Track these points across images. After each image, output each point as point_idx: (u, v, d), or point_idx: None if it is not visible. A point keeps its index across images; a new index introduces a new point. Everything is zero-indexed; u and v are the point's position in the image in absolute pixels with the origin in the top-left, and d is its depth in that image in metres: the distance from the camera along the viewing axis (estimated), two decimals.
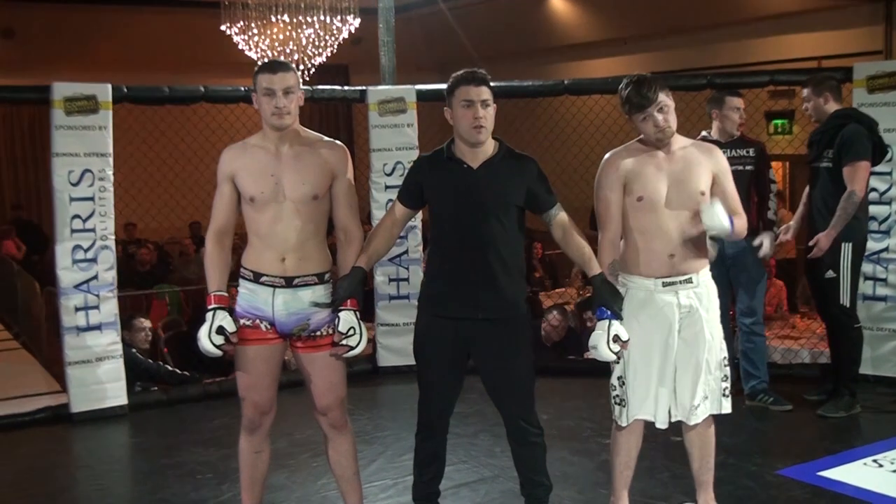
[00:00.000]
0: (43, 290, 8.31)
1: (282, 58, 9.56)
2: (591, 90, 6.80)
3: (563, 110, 7.56)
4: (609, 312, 3.39)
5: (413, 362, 3.66)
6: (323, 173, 3.47)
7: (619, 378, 3.59)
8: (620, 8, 11.99)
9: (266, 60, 4.01)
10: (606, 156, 3.60)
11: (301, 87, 3.50)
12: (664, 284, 3.50)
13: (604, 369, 3.63)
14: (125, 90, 5.75)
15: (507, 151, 3.47)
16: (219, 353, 3.42)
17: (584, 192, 6.51)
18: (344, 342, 3.41)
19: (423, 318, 3.62)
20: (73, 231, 5.50)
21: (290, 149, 3.46)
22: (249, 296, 3.48)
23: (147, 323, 6.44)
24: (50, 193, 5.56)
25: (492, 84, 3.43)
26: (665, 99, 3.46)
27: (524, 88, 6.58)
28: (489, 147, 3.45)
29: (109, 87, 5.62)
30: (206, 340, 3.37)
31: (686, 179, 3.50)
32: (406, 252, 6.46)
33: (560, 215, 3.48)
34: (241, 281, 3.51)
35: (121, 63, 12.24)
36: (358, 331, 3.43)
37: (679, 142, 3.56)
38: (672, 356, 3.51)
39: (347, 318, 3.41)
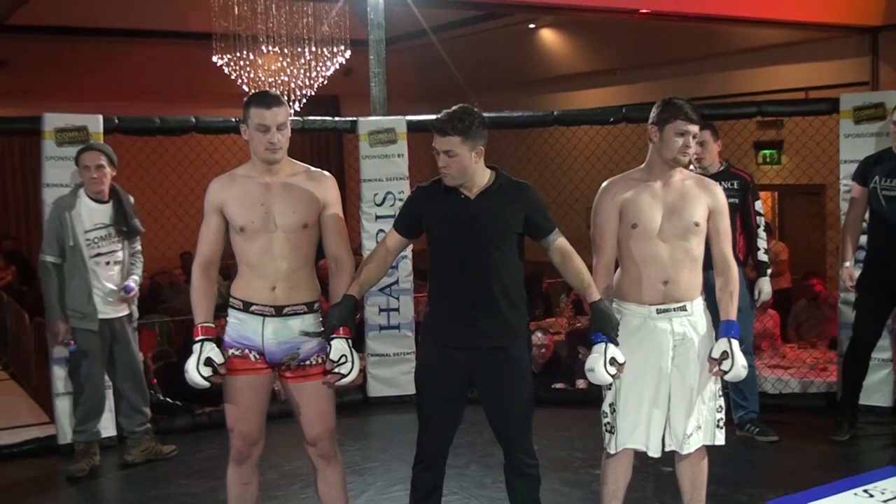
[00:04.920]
0: (32, 321, 8.27)
1: (273, 89, 9.60)
2: (581, 121, 6.86)
3: (553, 141, 7.60)
4: (605, 337, 3.40)
5: (403, 393, 3.65)
6: (312, 202, 3.49)
7: (610, 405, 3.58)
8: (610, 39, 12.08)
9: (257, 91, 4.01)
10: (604, 183, 3.65)
11: (291, 118, 3.52)
12: (658, 311, 3.52)
13: (595, 399, 3.62)
14: (116, 121, 5.77)
15: (504, 180, 3.49)
16: (206, 384, 3.41)
17: (574, 222, 6.55)
18: (336, 370, 3.39)
19: (425, 348, 3.61)
20: None
21: (278, 178, 3.48)
22: (239, 325, 3.48)
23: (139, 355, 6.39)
24: (39, 224, 5.53)
25: (485, 116, 3.42)
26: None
27: (514, 119, 6.61)
28: (486, 176, 3.46)
29: (101, 117, 5.64)
30: (195, 372, 3.36)
31: (681, 210, 3.54)
32: (396, 282, 6.46)
33: (559, 241, 3.48)
34: (230, 311, 3.51)
35: (112, 94, 12.24)
36: (350, 359, 3.41)
37: (679, 174, 3.61)
38: (666, 384, 3.50)
39: (339, 346, 3.39)
